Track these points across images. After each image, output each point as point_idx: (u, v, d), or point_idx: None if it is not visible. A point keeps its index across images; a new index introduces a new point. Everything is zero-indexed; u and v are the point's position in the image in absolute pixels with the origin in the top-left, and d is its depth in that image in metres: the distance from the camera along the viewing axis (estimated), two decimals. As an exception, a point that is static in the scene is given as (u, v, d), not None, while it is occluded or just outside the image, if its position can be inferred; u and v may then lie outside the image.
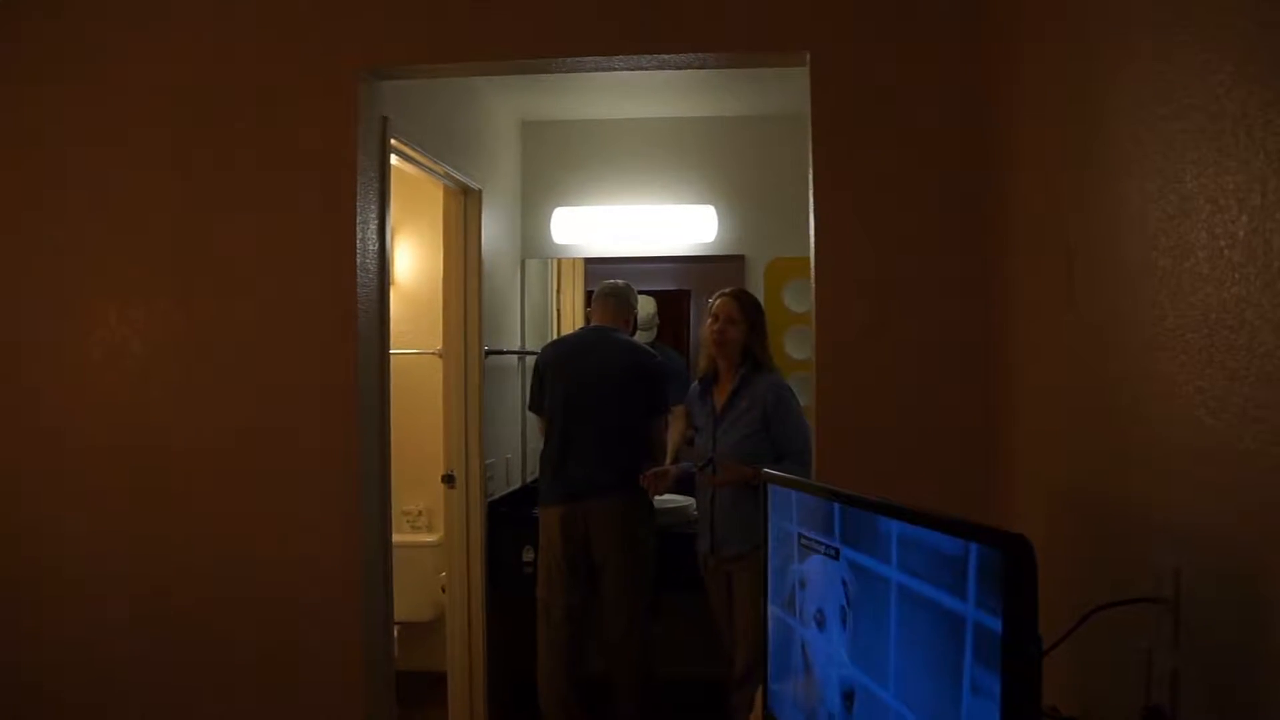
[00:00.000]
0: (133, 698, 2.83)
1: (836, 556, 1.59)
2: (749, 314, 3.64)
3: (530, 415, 4.15)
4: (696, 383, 3.82)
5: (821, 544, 1.64)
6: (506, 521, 4.27)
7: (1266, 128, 1.16)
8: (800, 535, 1.73)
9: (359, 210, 2.78)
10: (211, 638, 2.81)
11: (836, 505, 1.61)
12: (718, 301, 3.68)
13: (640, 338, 4.37)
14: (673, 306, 5.01)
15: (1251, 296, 1.19)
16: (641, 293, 4.54)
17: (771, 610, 1.88)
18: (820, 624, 1.65)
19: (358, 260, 2.77)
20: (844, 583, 1.57)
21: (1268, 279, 1.15)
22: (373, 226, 2.87)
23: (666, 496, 4.38)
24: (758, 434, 3.53)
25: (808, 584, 1.70)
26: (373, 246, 2.87)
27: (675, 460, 4.20)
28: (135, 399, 2.83)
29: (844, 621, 1.57)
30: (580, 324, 4.62)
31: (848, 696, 1.56)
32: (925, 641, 1.34)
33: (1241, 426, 1.22)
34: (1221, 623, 1.29)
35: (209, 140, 2.82)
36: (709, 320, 3.68)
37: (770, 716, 1.87)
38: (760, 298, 3.94)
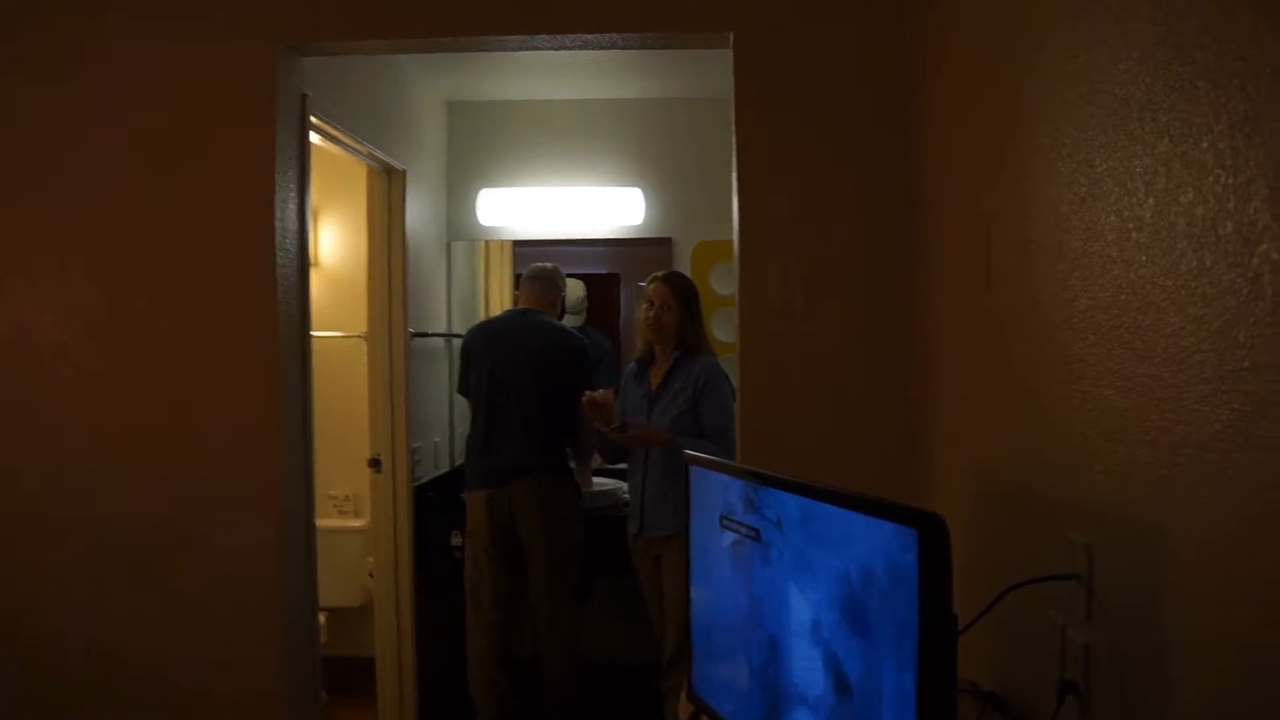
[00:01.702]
0: (62, 673, 2.77)
1: (757, 538, 1.60)
2: (683, 298, 3.63)
3: (460, 399, 4.10)
4: (634, 363, 3.82)
5: (743, 525, 1.65)
6: (434, 506, 4.24)
7: (1171, 112, 1.18)
8: (722, 516, 1.73)
9: (278, 189, 2.72)
10: (132, 624, 2.75)
11: (757, 486, 1.61)
12: (651, 286, 3.67)
13: (569, 321, 4.35)
14: (602, 290, 4.99)
15: (1157, 278, 1.22)
16: (571, 276, 4.52)
17: (695, 592, 1.88)
18: (742, 606, 1.66)
19: (277, 240, 2.72)
20: (764, 564, 1.57)
21: (1172, 260, 1.18)
22: (292, 206, 2.82)
23: (596, 480, 4.38)
24: (688, 414, 3.53)
25: (729, 565, 1.71)
26: (292, 227, 2.81)
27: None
28: (47, 381, 2.76)
29: (764, 602, 1.57)
30: (509, 307, 4.58)
31: (768, 675, 1.57)
32: (844, 620, 1.35)
33: (1148, 406, 1.25)
34: (1131, 598, 1.32)
35: (123, 117, 2.74)
36: (644, 305, 3.67)
37: (695, 699, 1.88)
38: (687, 280, 3.93)
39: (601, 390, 3.62)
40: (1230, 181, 1.05)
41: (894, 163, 2.59)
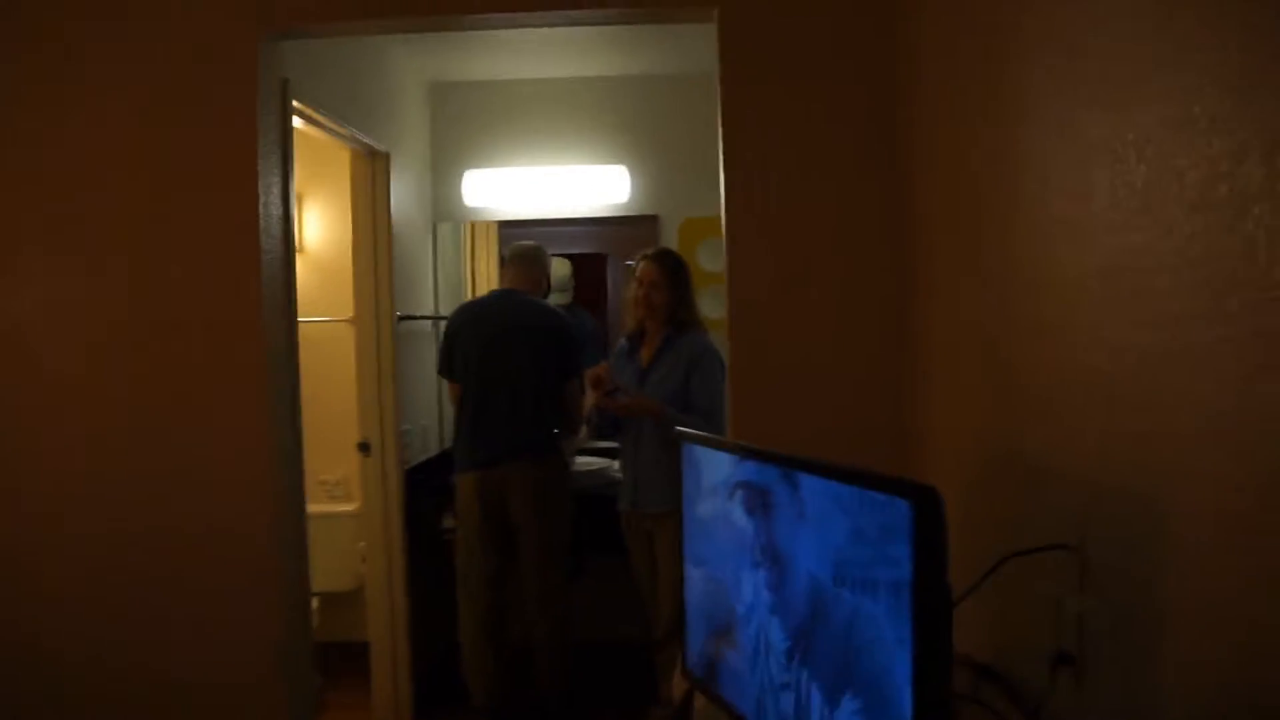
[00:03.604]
0: (56, 661, 2.76)
1: (750, 513, 1.59)
2: (672, 276, 3.62)
3: (443, 381, 4.09)
4: (624, 340, 3.81)
5: (735, 501, 1.64)
6: (425, 488, 4.23)
7: (1162, 73, 1.17)
8: (715, 493, 1.73)
9: (261, 175, 2.69)
10: (128, 610, 2.74)
11: (751, 462, 1.61)
12: (640, 265, 3.65)
13: (556, 300, 4.33)
14: (589, 270, 4.98)
15: (1149, 244, 1.21)
16: (557, 255, 4.50)
17: (688, 569, 1.88)
18: (736, 582, 1.66)
19: (261, 226, 2.69)
20: (759, 539, 1.57)
21: (1164, 227, 1.17)
22: (275, 192, 2.79)
23: (586, 459, 4.38)
24: (680, 390, 3.53)
25: (724, 542, 1.70)
26: (276, 212, 2.79)
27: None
28: (34, 372, 2.74)
29: (759, 579, 1.57)
30: (495, 288, 4.56)
31: (764, 653, 1.57)
32: (839, 595, 1.35)
33: (1139, 371, 1.24)
34: (1124, 567, 1.32)
35: (103, 107, 2.70)
36: (634, 284, 3.66)
37: (689, 675, 1.88)
38: (675, 258, 3.92)
39: (601, 364, 3.61)
40: (1224, 145, 1.04)
41: (883, 134, 2.58)
